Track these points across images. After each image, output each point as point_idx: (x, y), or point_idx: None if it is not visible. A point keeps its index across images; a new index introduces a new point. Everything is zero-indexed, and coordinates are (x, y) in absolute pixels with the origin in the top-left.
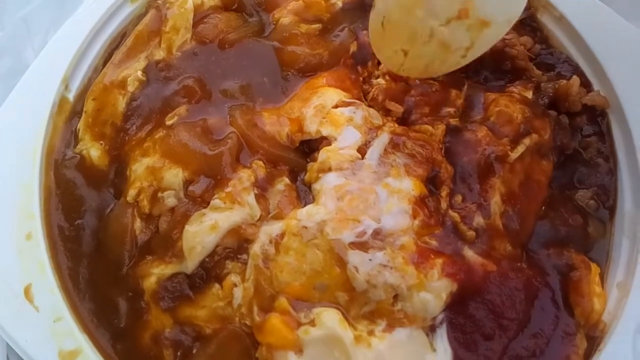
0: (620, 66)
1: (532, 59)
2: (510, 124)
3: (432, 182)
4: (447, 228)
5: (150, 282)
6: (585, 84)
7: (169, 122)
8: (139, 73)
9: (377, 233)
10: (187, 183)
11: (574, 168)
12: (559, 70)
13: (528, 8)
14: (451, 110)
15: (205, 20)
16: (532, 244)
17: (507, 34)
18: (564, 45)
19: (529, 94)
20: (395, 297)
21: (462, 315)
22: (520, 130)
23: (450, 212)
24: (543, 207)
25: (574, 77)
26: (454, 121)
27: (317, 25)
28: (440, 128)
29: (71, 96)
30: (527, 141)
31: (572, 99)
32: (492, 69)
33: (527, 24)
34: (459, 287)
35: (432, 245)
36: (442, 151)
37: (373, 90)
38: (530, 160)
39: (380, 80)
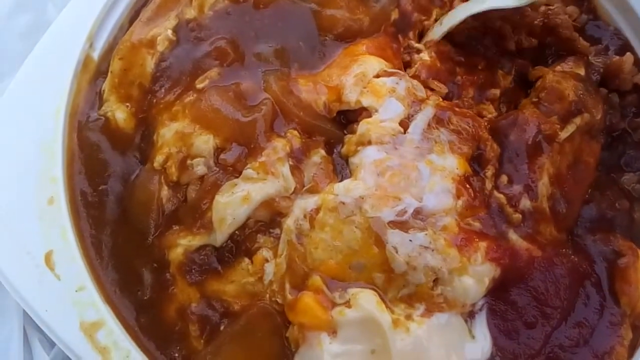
0: None
1: (577, 30)
2: (561, 102)
3: (476, 161)
4: (492, 210)
5: (176, 254)
6: (637, 61)
7: (199, 86)
8: (169, 32)
9: (418, 212)
10: (218, 151)
11: (622, 150)
12: (607, 43)
13: None
14: (497, 92)
15: None
16: (578, 229)
17: (551, 3)
18: (612, 18)
19: (582, 71)
20: (435, 281)
21: (503, 301)
22: (571, 109)
23: (496, 193)
24: (589, 190)
25: (628, 54)
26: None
27: None
28: (487, 109)
29: (96, 55)
30: (578, 120)
31: (623, 77)
32: (537, 45)
33: None
34: (502, 272)
35: (475, 228)
36: (488, 129)
37: (416, 65)
38: (580, 141)
39: (424, 56)
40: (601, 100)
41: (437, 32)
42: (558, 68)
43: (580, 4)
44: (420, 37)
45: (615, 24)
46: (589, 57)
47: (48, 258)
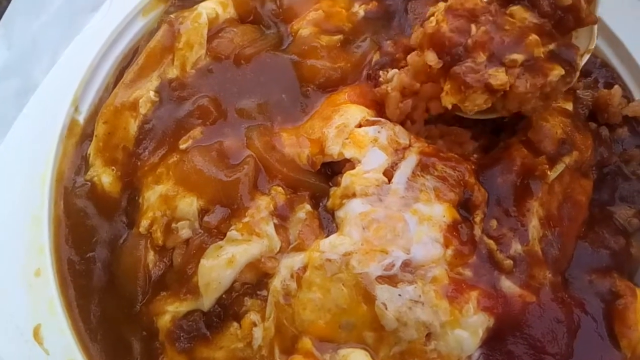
0: None
1: None
2: (549, 140)
3: (464, 207)
4: (482, 257)
5: (164, 321)
6: (625, 93)
7: (183, 146)
8: (152, 93)
9: (406, 265)
10: (203, 213)
11: (615, 183)
12: (596, 76)
13: None
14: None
15: (220, 34)
16: (573, 270)
17: None
18: (599, 49)
19: (569, 106)
20: (428, 336)
21: (499, 351)
22: (559, 147)
23: (485, 239)
24: (583, 229)
25: (616, 87)
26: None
27: (339, 37)
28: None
29: (81, 118)
30: (567, 159)
31: (612, 110)
32: None
33: None
34: (496, 322)
35: (466, 277)
36: (475, 172)
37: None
38: (570, 179)
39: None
40: (590, 136)
41: None
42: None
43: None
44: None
45: (603, 57)
46: (577, 91)
47: (36, 332)
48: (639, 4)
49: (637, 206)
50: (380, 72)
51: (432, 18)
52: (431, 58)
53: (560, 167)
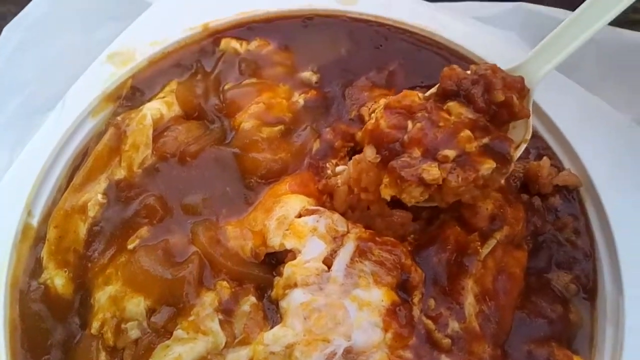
0: (588, 140)
1: None
2: (481, 217)
3: (402, 288)
4: (421, 338)
5: None
6: (555, 162)
7: (130, 246)
8: (99, 196)
9: (348, 352)
10: (150, 312)
11: (551, 251)
12: (527, 147)
13: None
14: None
15: (165, 133)
16: (512, 341)
17: None
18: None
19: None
20: None
21: None
22: (490, 223)
23: (424, 319)
24: (520, 300)
25: (544, 158)
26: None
27: (279, 127)
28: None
29: (35, 222)
30: (498, 235)
31: (542, 181)
32: None
33: None
34: None
35: (406, 359)
36: (411, 253)
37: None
38: (503, 253)
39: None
40: (522, 208)
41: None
42: None
43: None
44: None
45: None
46: None
47: None
48: (560, 76)
49: (574, 272)
50: (328, 165)
51: (372, 115)
52: (369, 153)
53: (491, 243)
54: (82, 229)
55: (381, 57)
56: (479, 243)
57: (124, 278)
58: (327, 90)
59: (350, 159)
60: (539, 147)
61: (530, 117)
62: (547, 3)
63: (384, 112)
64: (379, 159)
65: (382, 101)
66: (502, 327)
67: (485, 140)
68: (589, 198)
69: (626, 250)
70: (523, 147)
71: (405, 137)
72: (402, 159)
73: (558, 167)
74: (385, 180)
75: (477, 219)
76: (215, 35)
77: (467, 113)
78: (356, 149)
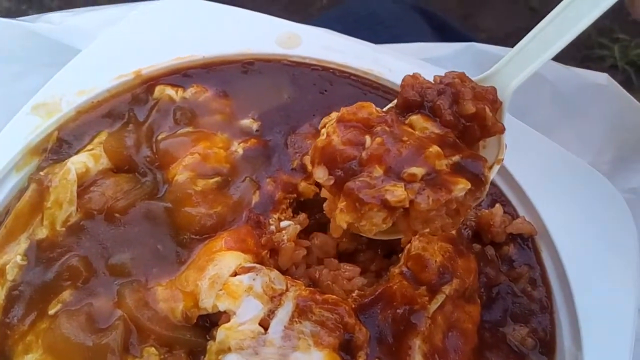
0: (543, 186)
1: None
2: (427, 271)
3: (346, 349)
4: None
5: None
6: (509, 209)
7: (51, 312)
8: (19, 257)
9: None
10: None
11: (506, 303)
12: None
13: None
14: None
15: (91, 188)
16: None
17: None
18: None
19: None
20: None
21: None
22: (439, 277)
23: None
24: (473, 356)
25: (497, 206)
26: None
27: (216, 179)
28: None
29: None
30: (447, 289)
31: (495, 230)
32: None
33: None
34: None
35: None
36: (355, 311)
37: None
38: (453, 308)
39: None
40: (474, 259)
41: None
42: (427, 230)
43: None
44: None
45: None
46: None
47: None
48: (513, 119)
49: (531, 325)
50: (270, 220)
51: (323, 130)
52: (320, 175)
53: (440, 298)
54: (0, 294)
55: (325, 102)
56: (427, 298)
57: (44, 346)
58: (268, 138)
59: (293, 211)
60: (491, 193)
61: (504, 135)
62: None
63: (337, 126)
64: (332, 181)
65: (334, 114)
66: None
67: (456, 158)
68: (544, 246)
69: (584, 301)
70: (496, 169)
71: (364, 153)
72: (361, 179)
73: (512, 214)
74: (341, 204)
75: (424, 273)
76: (149, 82)
77: (433, 127)
78: (299, 200)
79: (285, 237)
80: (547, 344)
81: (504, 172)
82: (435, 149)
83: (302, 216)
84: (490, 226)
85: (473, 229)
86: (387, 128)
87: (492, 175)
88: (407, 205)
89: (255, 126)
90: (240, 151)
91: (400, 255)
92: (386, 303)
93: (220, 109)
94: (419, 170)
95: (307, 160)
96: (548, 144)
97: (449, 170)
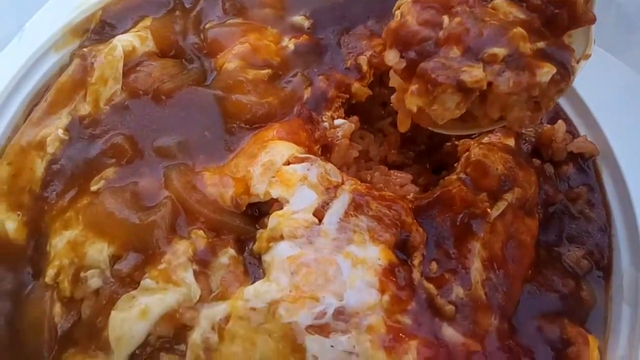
0: (608, 106)
1: None
2: (489, 177)
3: (401, 248)
4: (421, 303)
5: None
6: (570, 128)
7: (94, 188)
8: (60, 131)
9: (340, 313)
10: (114, 260)
11: (562, 223)
12: None
13: None
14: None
15: (137, 68)
16: (520, 316)
17: None
18: None
19: (511, 142)
20: None
21: None
22: (501, 184)
23: (425, 283)
24: (530, 271)
25: (560, 122)
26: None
27: (267, 71)
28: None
29: None
30: (509, 197)
31: (556, 146)
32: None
33: None
34: None
35: (404, 325)
36: (412, 210)
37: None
38: (514, 218)
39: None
40: (534, 173)
41: None
42: (485, 140)
43: None
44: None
45: None
46: None
47: None
48: None
49: (586, 247)
50: (324, 117)
51: (397, 12)
52: (391, 57)
53: (502, 205)
54: (40, 167)
55: (382, 6)
56: (488, 204)
57: (85, 222)
58: (320, 36)
59: (345, 112)
60: (553, 111)
61: (593, 28)
62: None
63: (413, 6)
64: (404, 64)
65: None
66: (510, 298)
67: (541, 44)
68: (606, 168)
69: None
70: (583, 64)
71: (441, 33)
72: (436, 59)
73: (573, 133)
74: (413, 86)
75: (486, 179)
76: None
77: (517, 12)
78: (351, 102)
79: (340, 134)
80: (604, 267)
81: (568, 90)
82: (520, 30)
83: (354, 118)
84: (551, 142)
85: (533, 144)
86: (467, 8)
87: (579, 69)
88: (484, 88)
89: (306, 23)
90: (291, 47)
91: (455, 164)
92: (444, 206)
93: (270, 3)
94: (500, 51)
95: (362, 60)
96: (615, 63)
97: (533, 54)
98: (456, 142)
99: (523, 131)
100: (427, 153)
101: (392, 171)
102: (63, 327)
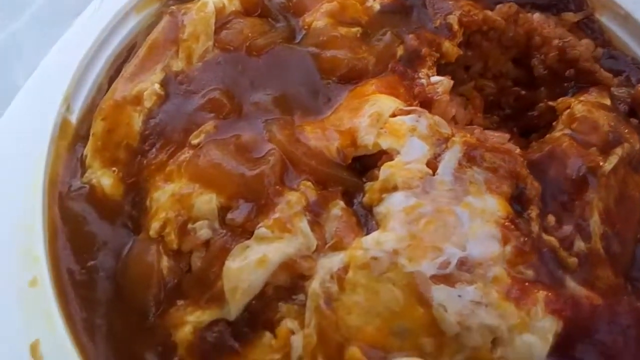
0: None
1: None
2: (597, 132)
3: (517, 201)
4: (543, 255)
5: (184, 333)
6: None
7: (194, 141)
8: (157, 86)
9: (462, 263)
10: (223, 210)
11: None
12: (628, 74)
13: (585, 8)
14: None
15: (227, 25)
16: (634, 271)
17: (564, 37)
18: (629, 47)
19: (607, 101)
20: (494, 342)
21: None
22: (609, 139)
23: (545, 236)
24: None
25: None
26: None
27: (357, 29)
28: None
29: (73, 118)
30: (619, 151)
31: None
32: (552, 81)
33: (585, 27)
34: (564, 326)
35: (529, 277)
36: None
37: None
38: (624, 173)
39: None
40: (635, 131)
41: None
42: (582, 99)
43: (595, 37)
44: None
45: (634, 54)
46: (612, 89)
47: (34, 349)
48: None
49: None
50: (420, 74)
51: None
52: None
53: (614, 159)
54: (137, 121)
55: None
56: (601, 158)
57: (189, 174)
58: None
59: (438, 70)
60: None
61: None
62: None
63: None
64: None
65: None
66: (625, 253)
67: None
68: None
69: None
70: None
71: None
72: None
73: None
74: None
75: (593, 135)
76: None
77: None
78: (441, 62)
79: (440, 90)
80: None
81: None
82: None
83: (447, 77)
84: None
85: (629, 104)
86: None
87: None
88: None
89: None
90: (377, 6)
91: (554, 123)
92: (557, 160)
93: None
94: None
95: (452, 19)
96: None
97: None
98: (550, 103)
99: (616, 93)
100: (513, 117)
101: (487, 131)
102: (171, 280)
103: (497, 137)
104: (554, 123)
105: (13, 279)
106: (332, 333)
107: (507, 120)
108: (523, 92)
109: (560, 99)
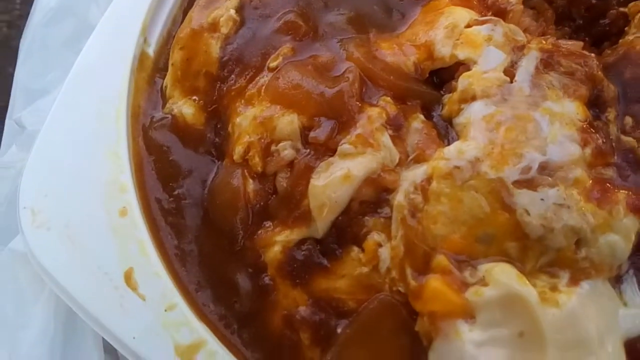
0: None
1: None
2: None
3: (594, 104)
4: (622, 156)
5: (274, 253)
6: None
7: (273, 64)
8: (232, 12)
9: (543, 167)
10: (306, 130)
11: None
12: None
13: None
14: None
15: None
16: None
17: None
18: None
19: None
20: (577, 243)
21: None
22: None
23: (623, 137)
24: None
25: None
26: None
27: None
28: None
29: (151, 51)
30: None
31: None
32: None
33: None
34: None
35: (609, 177)
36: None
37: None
38: None
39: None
40: None
41: None
42: None
43: None
44: None
45: None
46: None
47: (128, 277)
48: None
49: None
50: None
51: None
52: None
53: None
54: (215, 48)
55: None
56: None
57: (270, 97)
58: None
59: None
60: None
61: None
62: None
63: None
64: None
65: None
66: None
67: None
68: None
69: None
70: None
71: None
72: None
73: None
74: None
75: None
76: None
77: None
78: None
79: (513, 0)
80: None
81: None
82: None
83: None
84: None
85: None
86: None
87: None
88: None
89: None
90: None
91: (627, 28)
92: (632, 62)
93: None
94: None
95: None
96: None
97: None
98: (621, 9)
99: None
100: (585, 27)
101: (559, 41)
102: (258, 202)
103: (572, 45)
104: (626, 28)
105: (104, 210)
106: (419, 243)
107: (579, 31)
108: (594, 1)
109: (632, 3)
